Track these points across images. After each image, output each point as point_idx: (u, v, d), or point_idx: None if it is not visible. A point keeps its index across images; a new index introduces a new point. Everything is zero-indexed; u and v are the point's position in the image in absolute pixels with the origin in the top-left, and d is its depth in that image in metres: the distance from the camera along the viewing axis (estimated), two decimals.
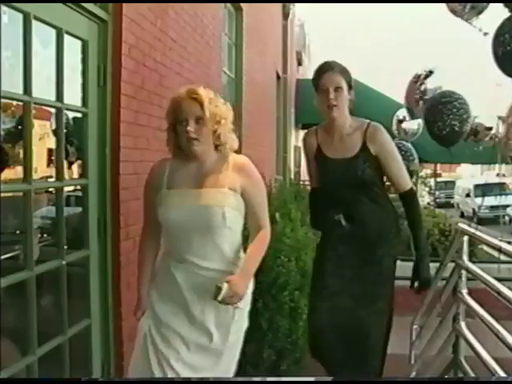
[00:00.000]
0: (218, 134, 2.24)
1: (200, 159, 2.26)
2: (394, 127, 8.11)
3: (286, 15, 11.82)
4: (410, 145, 7.73)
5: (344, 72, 2.81)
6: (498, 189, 21.29)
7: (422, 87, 6.30)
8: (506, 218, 20.16)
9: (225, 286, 2.12)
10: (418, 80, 6.31)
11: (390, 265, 2.91)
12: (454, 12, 4.13)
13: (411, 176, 6.34)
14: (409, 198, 2.89)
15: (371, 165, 2.80)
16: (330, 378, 2.90)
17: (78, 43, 2.75)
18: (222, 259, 2.26)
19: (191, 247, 2.23)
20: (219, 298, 2.12)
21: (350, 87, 2.81)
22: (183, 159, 2.30)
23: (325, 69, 2.82)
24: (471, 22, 4.05)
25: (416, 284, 2.85)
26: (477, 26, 4.03)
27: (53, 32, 2.52)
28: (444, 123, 5.76)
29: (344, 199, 2.83)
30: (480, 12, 4.15)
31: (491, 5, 4.21)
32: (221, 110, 2.25)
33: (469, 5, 3.95)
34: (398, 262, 2.95)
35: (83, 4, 2.68)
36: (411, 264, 2.88)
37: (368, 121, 2.87)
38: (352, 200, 2.83)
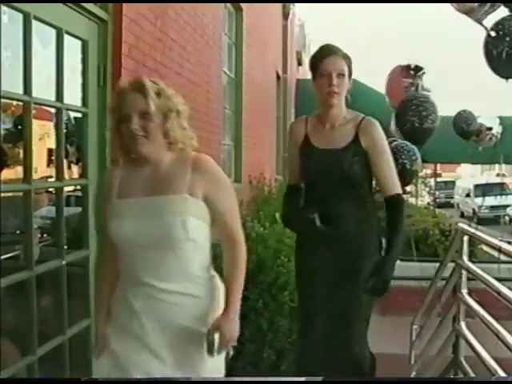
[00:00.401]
0: (167, 129, 1.89)
1: (152, 162, 1.92)
2: (393, 127, 8.11)
3: (286, 15, 11.82)
4: (412, 144, 7.72)
5: (346, 57, 2.62)
6: (498, 189, 21.31)
7: (408, 83, 6.39)
8: (506, 218, 20.16)
9: (216, 337, 1.83)
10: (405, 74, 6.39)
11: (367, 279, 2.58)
12: (467, 12, 4.12)
13: (411, 177, 6.35)
14: (395, 203, 2.61)
15: (360, 160, 2.59)
16: (331, 378, 2.89)
17: (78, 43, 2.75)
18: (187, 279, 1.89)
19: (149, 267, 1.86)
20: (215, 353, 1.84)
21: (350, 74, 2.63)
22: (135, 164, 1.95)
23: (327, 52, 2.62)
24: (481, 22, 4.04)
25: (370, 283, 2.50)
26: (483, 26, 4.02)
27: (53, 32, 2.52)
28: (404, 118, 6.01)
29: (323, 196, 2.60)
30: (491, 12, 4.14)
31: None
32: (170, 102, 1.90)
33: (487, 5, 3.94)
34: (398, 262, 2.92)
35: (83, 4, 2.68)
36: (411, 264, 2.87)
37: (363, 115, 2.68)
38: (332, 198, 2.60)
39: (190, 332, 1.88)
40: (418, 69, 6.02)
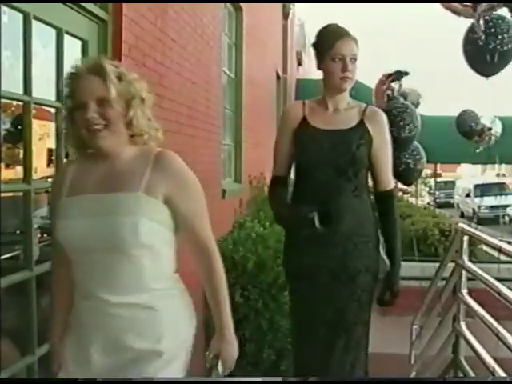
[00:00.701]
0: (129, 118, 1.64)
1: (111, 156, 1.67)
2: None
3: (286, 15, 11.81)
4: (417, 143, 7.56)
5: (356, 40, 2.45)
6: (498, 189, 21.33)
7: (391, 88, 6.38)
8: (506, 218, 20.17)
9: (219, 365, 1.74)
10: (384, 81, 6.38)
11: (366, 283, 2.45)
12: (467, 16, 4.14)
13: (415, 177, 6.30)
14: (389, 199, 2.51)
15: (366, 144, 2.42)
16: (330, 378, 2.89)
17: (78, 43, 2.75)
18: (142, 290, 1.63)
19: (98, 275, 1.62)
20: (219, 374, 1.75)
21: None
22: (92, 158, 1.70)
23: (341, 33, 2.42)
24: (478, 22, 4.06)
25: (386, 297, 2.50)
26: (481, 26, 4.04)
27: (53, 32, 2.51)
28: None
29: (322, 186, 2.40)
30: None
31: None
32: (132, 87, 1.66)
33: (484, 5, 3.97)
34: None
35: (83, 4, 2.67)
36: (412, 264, 2.86)
37: (365, 104, 2.56)
38: (334, 188, 2.40)
39: (141, 351, 1.63)
40: (393, 75, 5.99)
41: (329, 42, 2.41)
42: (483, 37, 3.90)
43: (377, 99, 5.87)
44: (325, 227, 2.34)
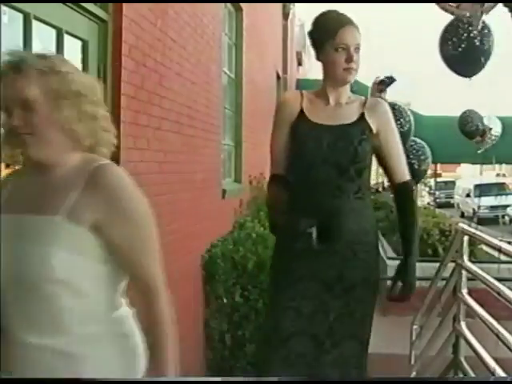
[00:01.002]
0: (59, 121, 1.33)
1: (49, 167, 1.38)
2: None
3: (286, 15, 11.82)
4: (423, 142, 7.38)
5: (358, 28, 2.25)
6: (498, 189, 21.34)
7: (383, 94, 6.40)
8: (506, 218, 20.18)
9: None
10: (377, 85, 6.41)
11: (362, 295, 2.27)
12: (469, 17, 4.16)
13: (419, 178, 6.27)
14: (406, 191, 2.36)
15: (368, 140, 2.24)
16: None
17: (78, 43, 2.75)
18: (59, 332, 1.34)
19: (16, 312, 1.35)
20: None
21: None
22: (33, 169, 1.42)
23: (344, 21, 2.21)
24: (476, 23, 4.08)
25: (398, 288, 2.31)
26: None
27: (53, 32, 2.52)
28: None
29: (325, 188, 2.20)
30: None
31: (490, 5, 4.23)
32: (64, 83, 1.34)
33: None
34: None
35: (83, 4, 2.67)
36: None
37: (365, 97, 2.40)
38: (335, 189, 2.20)
39: None
40: (380, 85, 6.01)
41: (330, 30, 2.20)
42: (479, 37, 3.93)
43: None
44: (322, 243, 2.14)
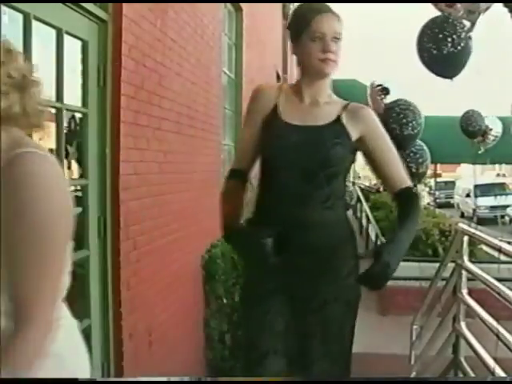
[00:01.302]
0: None
1: None
2: None
3: (286, 15, 11.81)
4: (422, 143, 7.36)
5: (339, 18, 2.02)
6: (498, 189, 21.35)
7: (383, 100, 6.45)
8: (506, 218, 20.19)
9: None
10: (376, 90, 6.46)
11: (335, 314, 2.01)
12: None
13: (418, 181, 6.26)
14: (411, 197, 2.09)
15: (343, 144, 1.98)
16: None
17: (78, 43, 2.75)
18: None
19: None
20: None
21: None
22: None
23: (319, 9, 1.98)
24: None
25: (367, 271, 1.91)
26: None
27: (53, 32, 2.52)
28: (385, 126, 5.98)
29: (290, 195, 1.96)
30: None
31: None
32: None
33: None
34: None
35: (83, 4, 2.68)
36: (413, 264, 2.83)
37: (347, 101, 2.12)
38: (301, 197, 1.96)
39: None
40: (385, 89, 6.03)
41: (305, 19, 1.97)
42: (464, 40, 3.96)
43: (373, 107, 5.94)
44: (280, 257, 1.89)
